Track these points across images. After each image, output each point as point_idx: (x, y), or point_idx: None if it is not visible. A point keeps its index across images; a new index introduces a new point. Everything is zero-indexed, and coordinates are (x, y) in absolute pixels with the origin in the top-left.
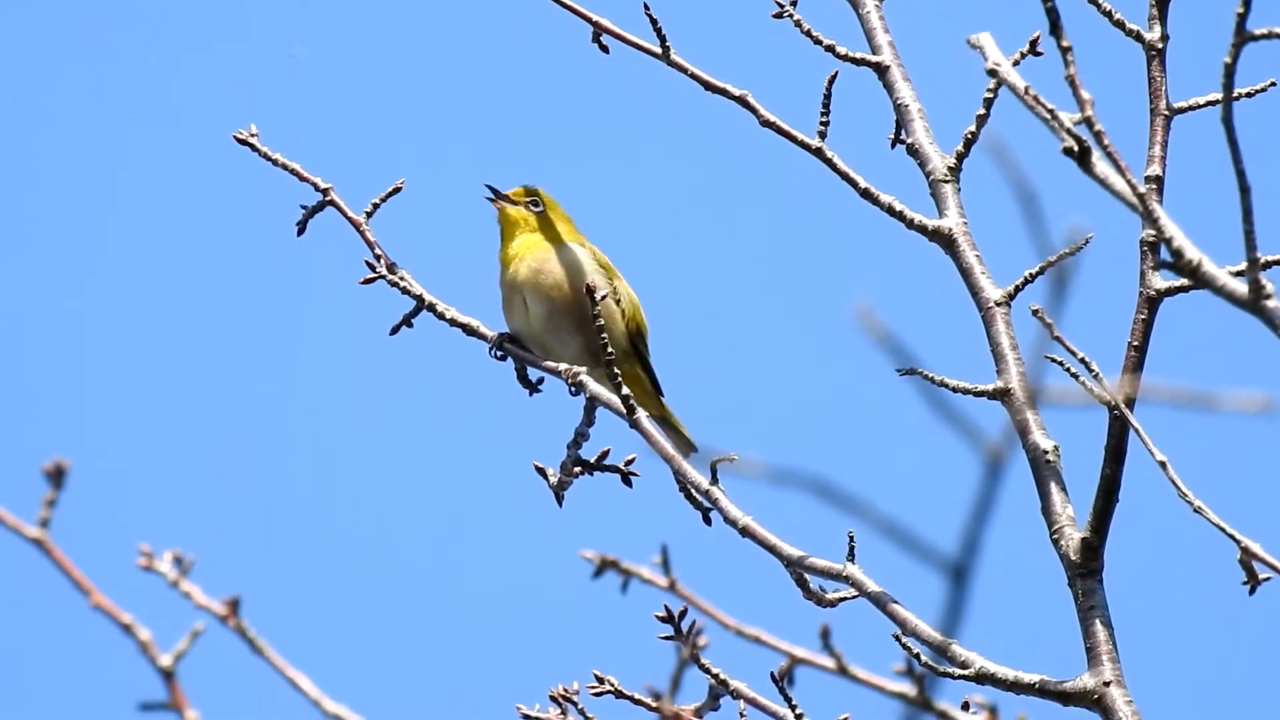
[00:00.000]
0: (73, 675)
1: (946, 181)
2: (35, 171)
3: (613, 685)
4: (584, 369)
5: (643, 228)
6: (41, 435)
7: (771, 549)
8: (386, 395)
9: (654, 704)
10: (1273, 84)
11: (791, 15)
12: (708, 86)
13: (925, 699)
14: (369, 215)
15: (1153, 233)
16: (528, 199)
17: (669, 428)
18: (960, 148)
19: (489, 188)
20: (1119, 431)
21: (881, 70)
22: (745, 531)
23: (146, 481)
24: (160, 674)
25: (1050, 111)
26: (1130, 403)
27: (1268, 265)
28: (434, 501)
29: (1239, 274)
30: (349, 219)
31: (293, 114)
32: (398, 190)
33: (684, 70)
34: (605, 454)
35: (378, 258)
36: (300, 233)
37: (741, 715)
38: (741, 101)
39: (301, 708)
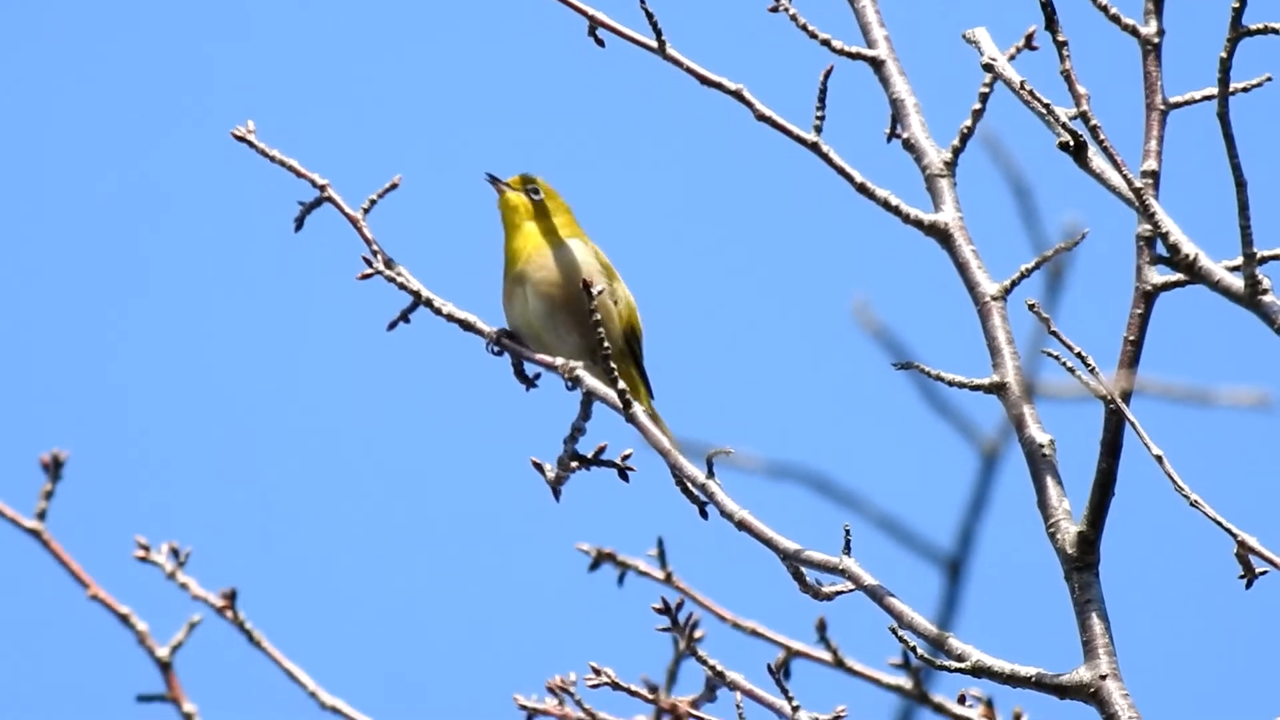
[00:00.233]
0: (70, 667)
1: (942, 176)
2: (35, 171)
3: (610, 677)
4: (581, 363)
5: (638, 222)
6: (38, 427)
7: (768, 542)
8: (384, 391)
9: (651, 696)
10: (1268, 79)
11: (787, 9)
12: (703, 80)
13: (921, 692)
14: (366, 211)
15: (1149, 227)
16: (526, 187)
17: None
18: (956, 142)
19: (489, 175)
20: (1115, 425)
21: (877, 65)
22: (742, 525)
23: (144, 473)
24: (158, 665)
25: (1046, 106)
26: (1126, 397)
27: (1264, 260)
28: (431, 496)
29: (1235, 269)
30: (346, 215)
31: (290, 110)
32: (395, 186)
33: (680, 64)
34: (602, 449)
35: (375, 253)
36: (298, 229)
37: (738, 707)
38: (737, 96)
39: (299, 700)
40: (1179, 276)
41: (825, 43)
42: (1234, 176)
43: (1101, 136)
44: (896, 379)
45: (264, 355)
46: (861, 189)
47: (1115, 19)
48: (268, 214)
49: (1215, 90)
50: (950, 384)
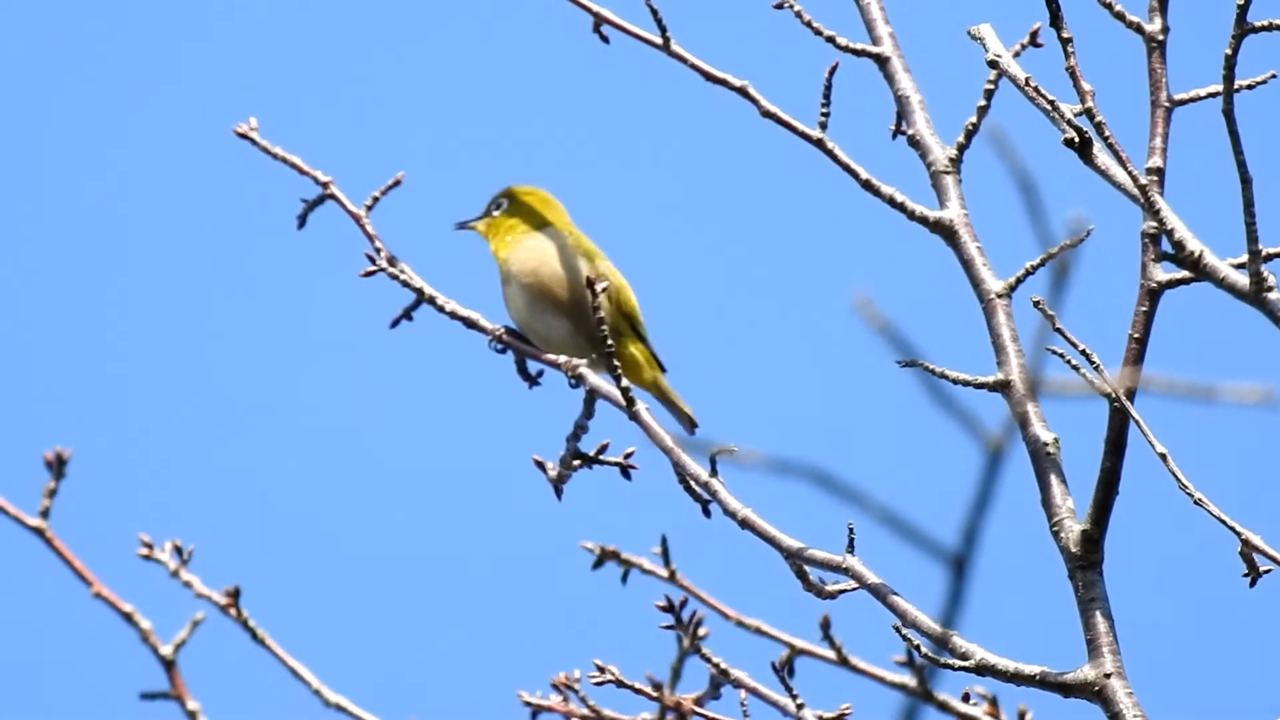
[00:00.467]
0: (74, 665)
1: (947, 173)
2: (37, 167)
3: (614, 675)
4: (584, 361)
5: (643, 218)
6: (42, 425)
7: (771, 540)
8: (387, 388)
9: (655, 694)
10: (1274, 76)
11: (792, 6)
12: (708, 77)
13: (926, 690)
14: (369, 208)
15: (1154, 224)
16: (490, 207)
17: (669, 403)
18: (961, 139)
19: (456, 224)
20: (1119, 423)
21: (882, 61)
22: (745, 523)
23: (147, 471)
24: (161, 663)
25: (1051, 103)
26: (1131, 395)
27: (1269, 257)
28: (434, 494)
29: (1240, 266)
30: (349, 212)
31: (293, 107)
32: (398, 183)
33: (685, 61)
34: (604, 448)
35: (378, 251)
36: (300, 226)
37: (742, 705)
38: (742, 92)
39: (303, 697)
40: (1184, 274)
41: (830, 39)
42: (1239, 173)
43: (1106, 133)
44: (901, 376)
45: (267, 353)
46: (866, 186)
47: (1120, 16)
48: (270, 211)
49: (1220, 87)
50: (954, 381)
